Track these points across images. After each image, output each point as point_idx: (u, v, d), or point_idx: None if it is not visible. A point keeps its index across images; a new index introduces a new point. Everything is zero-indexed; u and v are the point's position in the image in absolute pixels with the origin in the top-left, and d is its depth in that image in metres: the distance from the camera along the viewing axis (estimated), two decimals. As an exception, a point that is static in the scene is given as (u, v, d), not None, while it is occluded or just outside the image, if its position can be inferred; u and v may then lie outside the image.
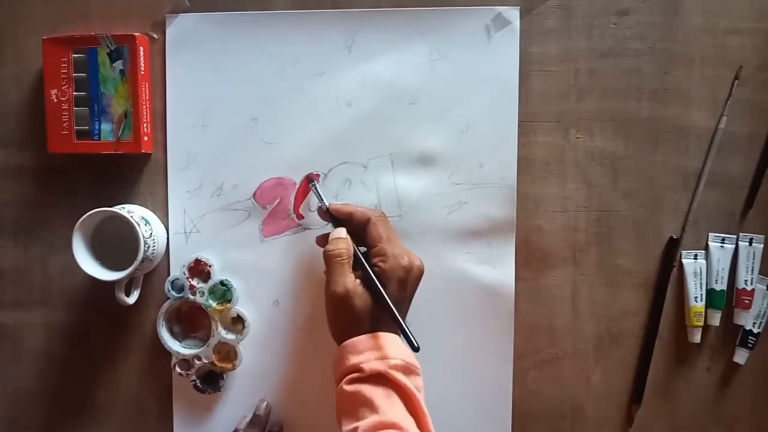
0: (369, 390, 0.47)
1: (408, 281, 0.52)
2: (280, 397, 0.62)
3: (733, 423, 0.63)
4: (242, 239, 0.62)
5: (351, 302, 0.50)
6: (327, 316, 0.53)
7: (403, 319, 0.52)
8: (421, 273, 0.53)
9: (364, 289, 0.51)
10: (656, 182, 0.61)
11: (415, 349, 0.48)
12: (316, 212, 0.59)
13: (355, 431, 0.46)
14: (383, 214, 0.56)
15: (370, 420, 0.46)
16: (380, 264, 0.52)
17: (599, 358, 0.62)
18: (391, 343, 0.50)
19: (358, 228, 0.54)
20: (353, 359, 0.49)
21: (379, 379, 0.48)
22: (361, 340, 0.50)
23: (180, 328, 0.63)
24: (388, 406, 0.47)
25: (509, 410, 0.62)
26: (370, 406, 0.47)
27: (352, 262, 0.52)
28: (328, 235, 0.55)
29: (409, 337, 0.49)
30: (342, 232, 0.54)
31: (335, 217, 0.56)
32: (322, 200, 0.57)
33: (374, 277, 0.51)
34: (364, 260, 0.52)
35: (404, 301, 0.53)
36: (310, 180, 0.60)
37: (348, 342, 0.50)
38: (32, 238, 0.63)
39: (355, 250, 0.53)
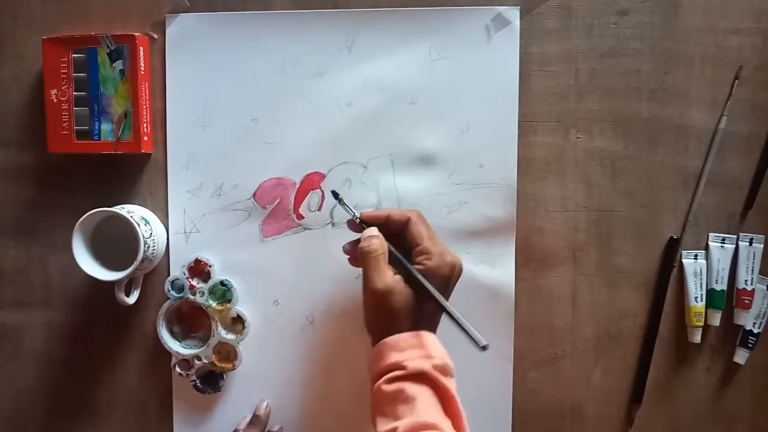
0: (411, 388, 0.46)
1: (450, 281, 0.51)
2: (280, 397, 0.62)
3: (733, 423, 0.63)
4: (242, 239, 0.62)
5: (392, 299, 0.49)
6: (365, 313, 0.52)
7: (436, 326, 0.51)
8: (461, 272, 0.52)
9: (405, 286, 0.50)
10: (656, 182, 0.61)
11: (483, 348, 0.46)
12: (346, 224, 0.57)
13: (394, 431, 0.45)
14: (420, 213, 0.54)
15: (409, 420, 0.45)
16: (425, 262, 0.50)
17: (599, 358, 0.62)
18: (433, 342, 0.49)
19: (396, 230, 0.53)
20: (395, 357, 0.48)
21: (421, 378, 0.47)
22: (403, 338, 0.49)
23: (180, 328, 0.63)
24: (428, 406, 0.46)
25: (509, 410, 0.62)
26: (410, 405, 0.46)
27: (387, 258, 0.51)
28: (356, 241, 0.54)
29: (472, 336, 0.47)
30: (374, 230, 0.53)
31: (369, 225, 0.54)
32: (353, 212, 0.55)
33: (419, 276, 0.50)
34: (403, 258, 0.51)
35: (447, 300, 0.52)
36: (335, 195, 0.58)
37: (389, 339, 0.49)
38: (32, 238, 0.63)
39: (390, 247, 0.52)
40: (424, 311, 0.50)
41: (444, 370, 0.48)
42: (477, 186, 0.61)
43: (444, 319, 0.50)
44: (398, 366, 0.47)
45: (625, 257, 0.62)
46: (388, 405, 0.47)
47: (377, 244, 0.51)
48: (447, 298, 0.51)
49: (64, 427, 0.64)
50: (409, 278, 0.50)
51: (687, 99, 0.61)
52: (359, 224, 0.55)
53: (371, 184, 0.61)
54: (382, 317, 0.50)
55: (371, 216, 0.54)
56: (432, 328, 0.51)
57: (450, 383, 0.48)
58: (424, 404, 0.46)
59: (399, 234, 0.53)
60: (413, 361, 0.47)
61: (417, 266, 0.51)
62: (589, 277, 0.62)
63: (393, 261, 0.51)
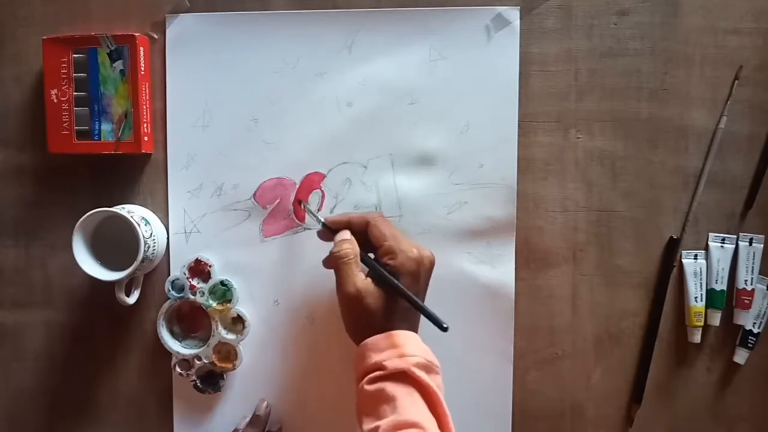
0: (391, 388, 0.47)
1: (420, 273, 0.52)
2: (280, 397, 0.62)
3: (733, 423, 0.63)
4: (242, 239, 0.62)
5: (364, 301, 0.50)
6: (342, 317, 0.53)
7: (417, 324, 0.52)
8: (432, 264, 0.53)
9: (376, 288, 0.51)
10: (656, 182, 0.61)
11: (444, 329, 0.48)
12: (317, 236, 0.58)
13: (376, 430, 0.46)
14: (381, 214, 0.56)
15: (391, 419, 0.46)
16: (389, 261, 0.51)
17: (599, 357, 0.62)
18: (411, 341, 0.50)
19: (360, 234, 0.54)
20: (375, 357, 0.49)
21: (402, 377, 0.48)
22: (381, 338, 0.49)
23: (180, 328, 0.63)
24: (410, 404, 0.47)
25: (509, 410, 0.62)
26: (392, 405, 0.47)
27: (359, 262, 0.52)
28: (330, 230, 0.56)
29: (436, 320, 0.49)
30: (347, 233, 0.54)
31: (335, 230, 0.56)
32: (317, 218, 0.57)
33: (386, 272, 0.51)
34: (372, 259, 0.52)
35: (419, 294, 0.52)
36: (299, 202, 0.61)
37: (368, 341, 0.50)
38: (32, 238, 0.63)
39: (360, 250, 0.53)
40: (398, 309, 0.51)
41: (427, 368, 0.49)
42: (477, 186, 0.61)
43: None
44: (379, 366, 0.48)
45: (625, 257, 0.62)
46: (370, 405, 0.48)
47: (348, 248, 0.52)
48: (420, 292, 0.53)
49: (64, 427, 0.64)
50: (380, 279, 0.51)
51: (687, 99, 0.61)
52: (327, 231, 0.56)
53: (371, 184, 0.61)
54: (358, 319, 0.51)
55: (334, 221, 0.56)
56: (410, 326, 0.51)
57: (434, 380, 0.49)
58: (406, 403, 0.46)
59: (364, 237, 0.54)
60: (392, 360, 0.48)
61: (384, 266, 0.52)
62: (589, 277, 0.62)
63: (363, 263, 0.53)
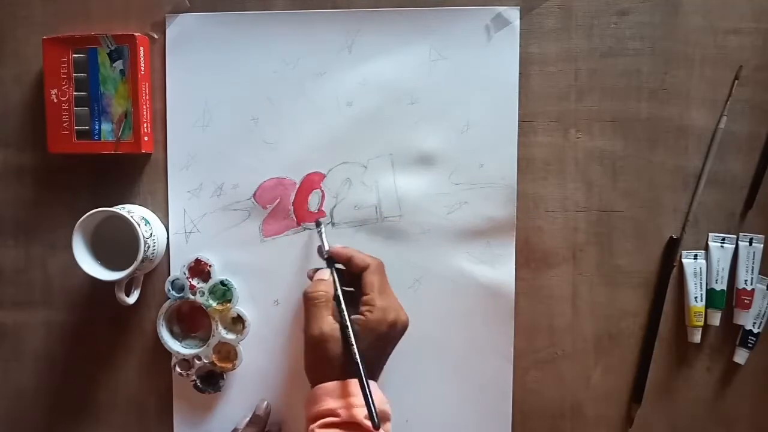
0: None
1: (388, 338, 0.52)
2: (280, 397, 0.62)
3: (733, 423, 0.63)
4: (242, 239, 0.62)
5: (325, 345, 0.50)
6: (304, 355, 0.53)
7: (378, 374, 0.52)
8: (404, 329, 0.53)
9: (341, 335, 0.51)
10: (656, 182, 0.61)
11: (375, 427, 0.46)
12: (316, 250, 0.59)
13: None
14: (381, 263, 0.55)
15: None
16: (366, 313, 0.52)
17: (599, 357, 0.62)
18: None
19: (357, 272, 0.55)
20: (331, 403, 0.49)
21: (354, 427, 0.48)
22: (337, 385, 0.50)
23: (180, 328, 0.63)
24: None
25: (509, 410, 0.62)
26: None
27: (330, 306, 0.52)
28: (329, 260, 0.56)
29: (371, 411, 0.47)
30: (325, 273, 0.55)
31: (333, 260, 0.56)
32: (324, 245, 0.57)
33: (349, 330, 0.50)
34: (345, 309, 0.52)
35: (381, 357, 0.53)
36: (318, 223, 0.60)
37: (326, 385, 0.50)
38: (32, 238, 0.63)
39: (338, 295, 0.53)
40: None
41: (381, 417, 0.48)
42: (477, 186, 0.61)
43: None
44: (332, 413, 0.49)
45: (625, 257, 0.62)
46: None
47: (321, 291, 0.53)
48: (384, 354, 0.53)
49: (64, 427, 0.64)
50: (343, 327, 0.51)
51: (687, 99, 0.61)
52: (326, 258, 0.56)
53: (371, 184, 0.61)
54: (317, 362, 0.51)
55: (337, 252, 0.56)
56: (370, 375, 0.51)
57: (384, 427, 0.49)
58: None
59: (359, 276, 0.54)
60: (346, 410, 0.48)
61: (359, 316, 0.52)
62: (589, 277, 0.62)
63: (337, 306, 0.52)
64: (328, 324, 0.51)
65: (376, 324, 0.51)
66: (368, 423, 0.47)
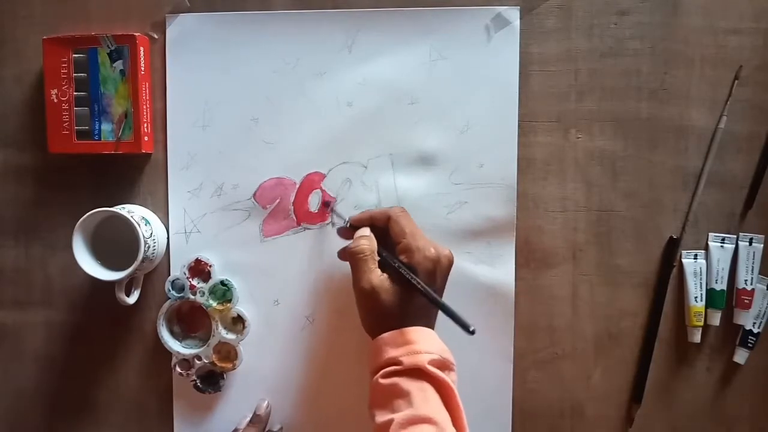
0: (406, 383, 0.47)
1: (437, 272, 0.52)
2: (280, 397, 0.62)
3: (732, 423, 0.63)
4: (242, 239, 0.62)
5: (379, 297, 0.50)
6: (358, 311, 0.53)
7: (434, 321, 0.52)
8: (450, 263, 0.53)
9: (392, 284, 0.51)
10: (656, 182, 0.61)
11: (471, 332, 0.47)
12: (337, 233, 0.60)
13: (390, 423, 0.46)
14: (404, 209, 0.55)
15: (405, 413, 0.46)
16: (406, 259, 0.51)
17: (599, 357, 0.62)
18: (428, 337, 0.50)
19: (382, 229, 0.55)
20: (392, 352, 0.49)
21: (417, 373, 0.48)
22: (398, 334, 0.49)
23: (180, 328, 0.63)
24: (424, 400, 0.47)
25: (509, 410, 0.62)
26: (407, 400, 0.47)
27: (375, 259, 0.52)
28: (348, 228, 0.57)
29: (460, 321, 0.48)
30: (366, 230, 0.55)
31: (356, 228, 0.56)
32: (344, 218, 0.58)
33: (404, 269, 0.51)
34: (389, 255, 0.52)
35: (437, 293, 0.52)
36: (327, 204, 0.61)
37: (385, 335, 0.50)
38: (32, 238, 0.63)
39: (378, 246, 0.53)
40: (413, 307, 0.50)
41: (442, 365, 0.49)
42: (477, 186, 0.61)
43: (444, 319, 0.50)
44: (394, 361, 0.48)
45: (625, 257, 0.62)
46: (384, 399, 0.48)
47: (365, 244, 0.53)
48: (437, 290, 0.52)
49: (64, 427, 0.64)
50: (397, 275, 0.51)
51: (687, 99, 0.61)
52: (349, 229, 0.57)
53: (371, 184, 0.61)
54: (373, 315, 0.52)
55: (356, 219, 0.57)
56: (426, 322, 0.51)
57: (449, 376, 0.49)
58: (420, 398, 0.47)
59: (385, 233, 0.54)
60: (409, 357, 0.48)
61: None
62: (589, 276, 0.62)
63: (381, 260, 0.53)
64: (376, 276, 0.51)
65: (418, 265, 0.51)
66: (432, 368, 0.47)
